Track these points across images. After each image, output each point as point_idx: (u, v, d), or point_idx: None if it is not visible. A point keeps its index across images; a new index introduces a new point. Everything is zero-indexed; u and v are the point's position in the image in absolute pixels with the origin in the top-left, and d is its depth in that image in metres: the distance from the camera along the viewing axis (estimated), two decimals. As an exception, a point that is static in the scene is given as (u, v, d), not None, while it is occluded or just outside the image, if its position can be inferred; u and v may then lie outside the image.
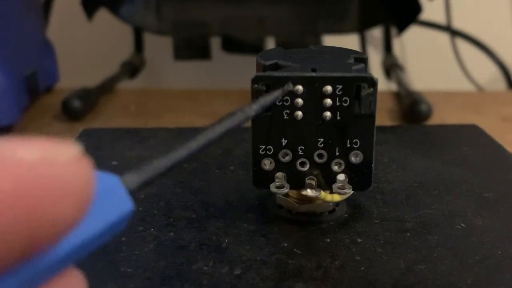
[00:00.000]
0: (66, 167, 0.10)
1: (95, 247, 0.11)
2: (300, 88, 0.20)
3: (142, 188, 0.12)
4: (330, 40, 0.56)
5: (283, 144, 0.21)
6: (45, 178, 0.09)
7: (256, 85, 0.20)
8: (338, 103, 0.21)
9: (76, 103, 0.45)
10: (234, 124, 0.16)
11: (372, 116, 0.21)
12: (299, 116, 0.21)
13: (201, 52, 0.55)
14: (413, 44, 0.63)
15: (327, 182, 0.22)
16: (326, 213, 0.23)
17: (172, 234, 0.22)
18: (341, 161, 0.21)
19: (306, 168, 0.22)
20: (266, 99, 0.19)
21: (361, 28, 0.56)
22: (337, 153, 0.21)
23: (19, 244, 0.09)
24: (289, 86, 0.20)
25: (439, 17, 0.59)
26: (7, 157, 0.09)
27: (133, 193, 0.12)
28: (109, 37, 0.62)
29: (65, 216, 0.10)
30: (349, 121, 0.21)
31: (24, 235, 0.09)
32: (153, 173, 0.12)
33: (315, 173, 0.22)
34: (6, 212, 0.09)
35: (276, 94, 0.20)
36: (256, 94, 0.20)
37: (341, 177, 0.22)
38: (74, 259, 0.10)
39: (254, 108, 0.18)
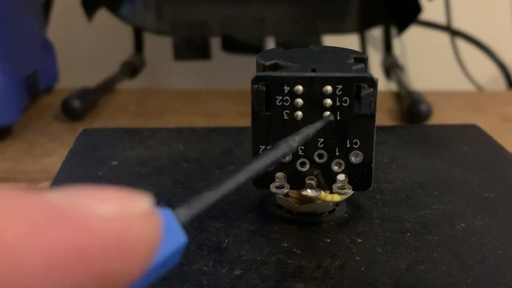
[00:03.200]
0: (141, 222, 0.10)
1: (148, 283, 0.11)
2: (300, 88, 0.20)
3: (192, 220, 0.13)
4: (330, 40, 0.56)
5: (283, 144, 0.21)
6: (121, 234, 0.10)
7: (256, 85, 0.20)
8: (338, 103, 0.21)
9: (76, 103, 0.45)
10: (278, 155, 0.17)
11: (372, 116, 0.21)
12: (299, 116, 0.21)
13: (201, 52, 0.55)
14: (413, 44, 0.63)
15: (327, 182, 0.22)
16: (326, 213, 0.23)
17: (172, 234, 0.22)
18: (341, 161, 0.21)
19: (306, 168, 0.22)
20: (309, 131, 0.20)
21: (361, 28, 0.56)
22: (337, 153, 0.21)
23: None
24: (330, 117, 0.20)
25: (439, 17, 0.59)
26: (85, 212, 0.09)
27: (184, 226, 0.12)
28: (109, 37, 0.62)
29: (135, 268, 0.10)
30: (349, 121, 0.21)
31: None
32: (203, 206, 0.14)
33: (315, 173, 0.22)
34: (82, 269, 0.09)
35: (317, 125, 0.20)
36: (256, 94, 0.20)
37: (341, 177, 0.22)
38: None
39: (297, 139, 0.19)
